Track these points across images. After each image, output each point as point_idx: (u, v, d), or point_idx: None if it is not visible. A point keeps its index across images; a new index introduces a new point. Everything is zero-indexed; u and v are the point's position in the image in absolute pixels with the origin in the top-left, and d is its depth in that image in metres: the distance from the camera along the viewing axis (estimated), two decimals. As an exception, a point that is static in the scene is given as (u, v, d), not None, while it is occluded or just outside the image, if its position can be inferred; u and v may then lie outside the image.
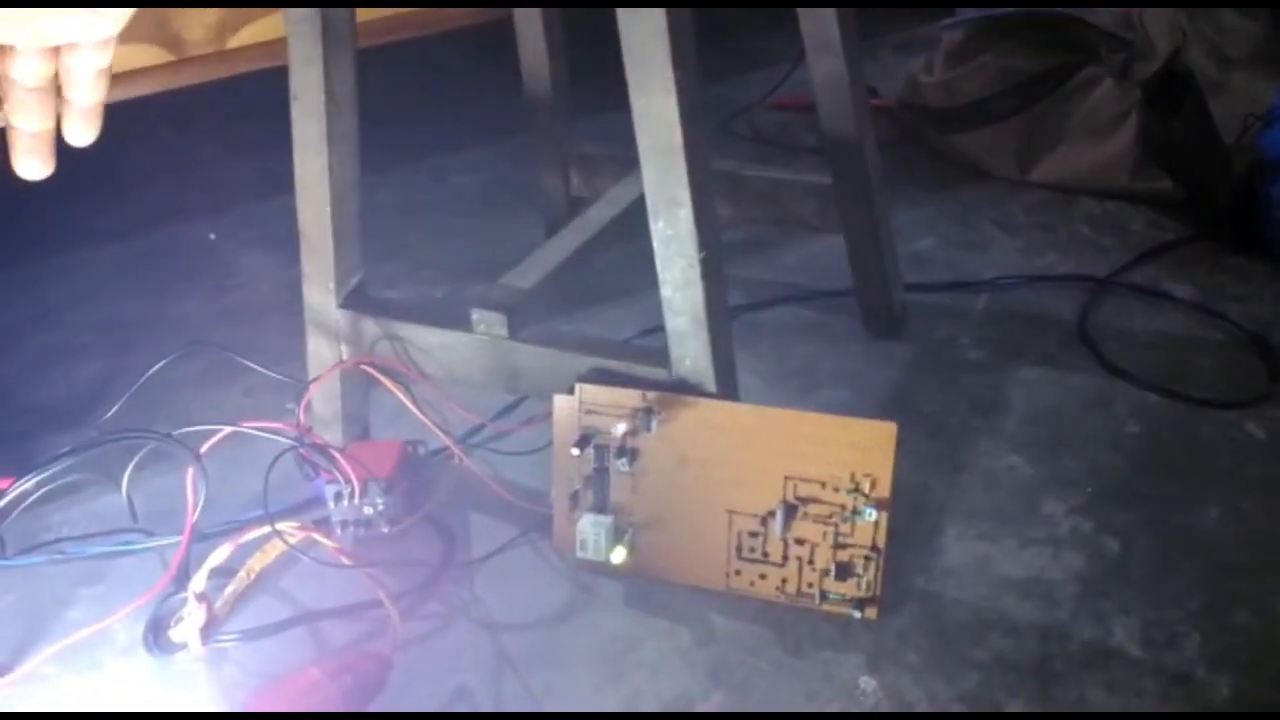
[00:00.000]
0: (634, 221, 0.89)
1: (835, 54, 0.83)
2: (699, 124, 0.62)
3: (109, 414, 0.88)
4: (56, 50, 0.44)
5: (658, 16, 0.59)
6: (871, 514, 0.65)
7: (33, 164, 0.46)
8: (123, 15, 0.43)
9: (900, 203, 1.11)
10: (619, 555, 0.69)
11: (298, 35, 0.69)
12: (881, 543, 0.66)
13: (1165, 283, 1.03)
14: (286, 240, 1.18)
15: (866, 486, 0.65)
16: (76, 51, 0.44)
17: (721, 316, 0.67)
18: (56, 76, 0.46)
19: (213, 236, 1.21)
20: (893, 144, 1.27)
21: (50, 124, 0.46)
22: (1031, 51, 1.20)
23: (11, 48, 0.43)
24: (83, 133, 0.47)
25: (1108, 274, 1.04)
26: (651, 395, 0.68)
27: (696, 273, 0.65)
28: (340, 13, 0.70)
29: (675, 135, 0.60)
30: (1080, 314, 0.98)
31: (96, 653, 0.67)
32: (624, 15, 0.60)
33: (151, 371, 0.91)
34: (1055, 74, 1.18)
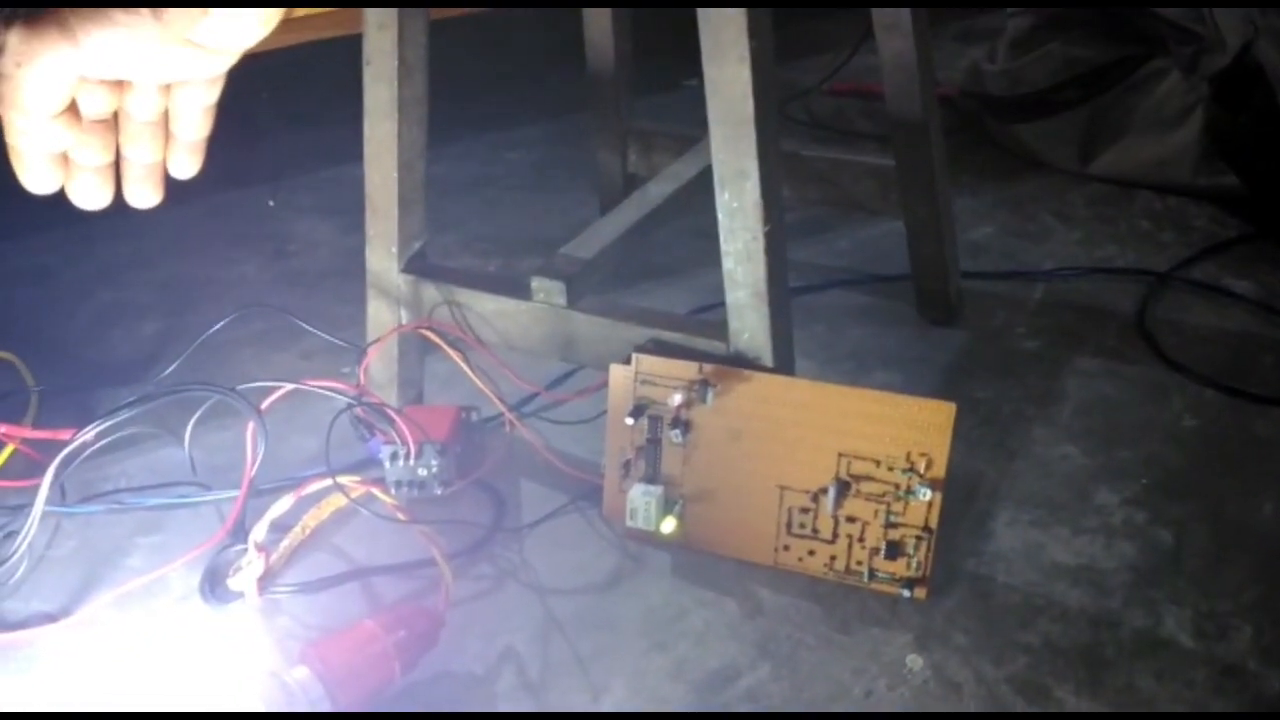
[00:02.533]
0: (689, 199, 0.89)
1: (904, 34, 0.82)
2: (771, 96, 0.62)
3: (168, 371, 0.89)
4: (169, 86, 0.46)
5: (735, -15, 0.59)
6: (926, 494, 0.65)
7: (144, 192, 0.48)
8: (234, 55, 0.44)
9: (959, 191, 1.11)
10: (669, 526, 0.70)
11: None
12: (934, 523, 0.66)
13: (1226, 279, 1.02)
14: (343, 209, 1.20)
15: (922, 466, 0.65)
16: (187, 88, 0.46)
17: (782, 291, 0.67)
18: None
19: (271, 203, 1.22)
20: (953, 132, 1.26)
21: (160, 156, 0.48)
22: (1098, 42, 1.18)
23: (130, 83, 0.45)
24: (188, 165, 0.49)
25: (1168, 268, 1.03)
26: (708, 368, 0.68)
27: (760, 246, 0.65)
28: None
29: (747, 106, 0.60)
30: (1139, 307, 0.97)
31: (153, 600, 0.68)
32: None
33: (210, 331, 0.93)
34: (1121, 65, 1.16)
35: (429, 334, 0.77)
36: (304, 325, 0.92)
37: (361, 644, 0.58)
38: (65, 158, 0.46)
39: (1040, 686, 0.62)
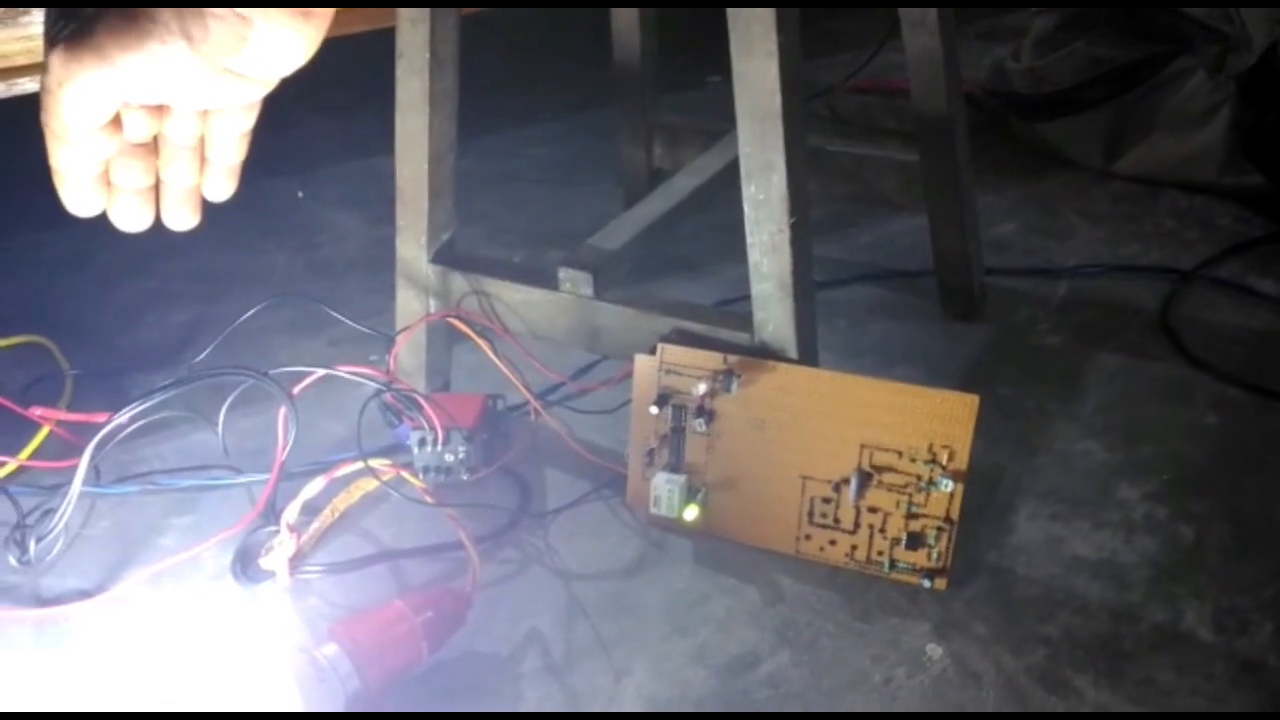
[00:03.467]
0: (714, 193, 0.90)
1: (931, 30, 0.83)
2: (798, 90, 0.62)
3: (199, 357, 0.91)
4: (206, 112, 0.47)
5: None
6: (948, 485, 0.66)
7: (181, 215, 0.49)
8: (270, 84, 0.45)
9: (982, 188, 1.11)
10: (691, 514, 0.71)
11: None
12: (955, 515, 0.67)
13: (1250, 278, 1.02)
14: (370, 200, 1.21)
15: (944, 458, 0.66)
16: (224, 114, 0.47)
17: (807, 283, 0.68)
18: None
19: (300, 194, 1.24)
20: (977, 130, 1.27)
21: (197, 180, 0.49)
22: (1123, 40, 1.18)
23: (170, 109, 0.46)
24: (223, 189, 0.49)
25: (1192, 267, 1.03)
26: (732, 358, 0.69)
27: (785, 238, 0.65)
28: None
29: (774, 100, 0.61)
30: (1163, 305, 0.97)
31: (186, 578, 0.69)
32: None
33: (242, 319, 0.94)
34: (1147, 64, 1.16)
35: (457, 323, 0.79)
36: (333, 313, 0.93)
37: (390, 623, 0.59)
38: (107, 181, 0.47)
39: (1059, 677, 0.62)
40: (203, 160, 0.48)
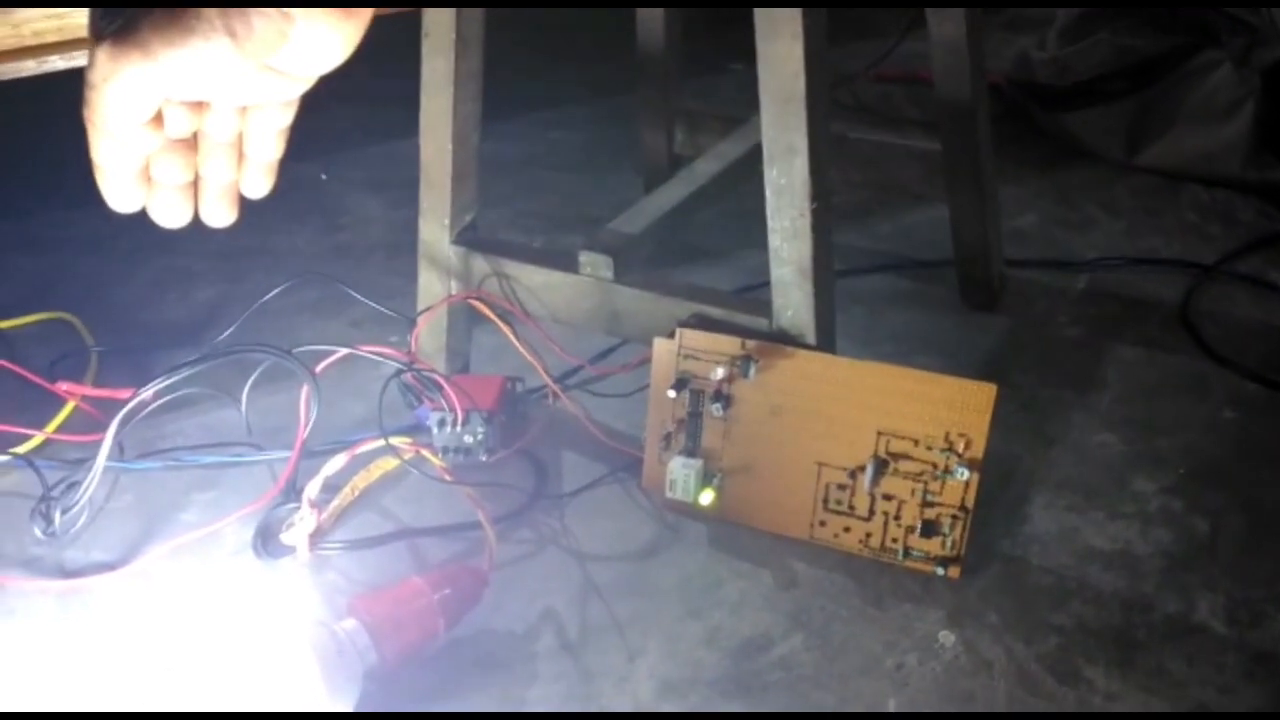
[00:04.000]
0: (734, 179, 0.90)
1: (956, 19, 0.83)
2: (822, 74, 0.63)
3: (223, 335, 0.92)
4: (245, 108, 0.47)
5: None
6: (963, 474, 0.66)
7: (219, 211, 0.49)
8: (310, 81, 0.46)
9: (1003, 179, 1.11)
10: (707, 498, 0.71)
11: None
12: (971, 503, 0.67)
13: (1272, 274, 1.01)
14: (393, 183, 1.22)
15: (960, 446, 0.66)
16: (263, 111, 0.47)
17: (827, 269, 0.68)
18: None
19: (324, 177, 1.25)
20: (999, 120, 1.26)
21: (235, 176, 0.49)
22: (1149, 32, 1.18)
23: (209, 105, 0.47)
24: (260, 185, 0.50)
25: (1214, 261, 1.03)
26: (751, 343, 0.69)
27: (806, 223, 0.66)
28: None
29: (798, 82, 0.62)
30: (1183, 299, 0.97)
31: (207, 553, 0.70)
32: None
33: (265, 298, 0.95)
34: (1172, 55, 1.16)
35: (478, 304, 0.79)
36: (355, 294, 0.94)
37: (408, 599, 0.60)
38: (147, 175, 0.47)
39: (1071, 666, 0.63)
40: (240, 156, 0.49)
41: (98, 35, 0.42)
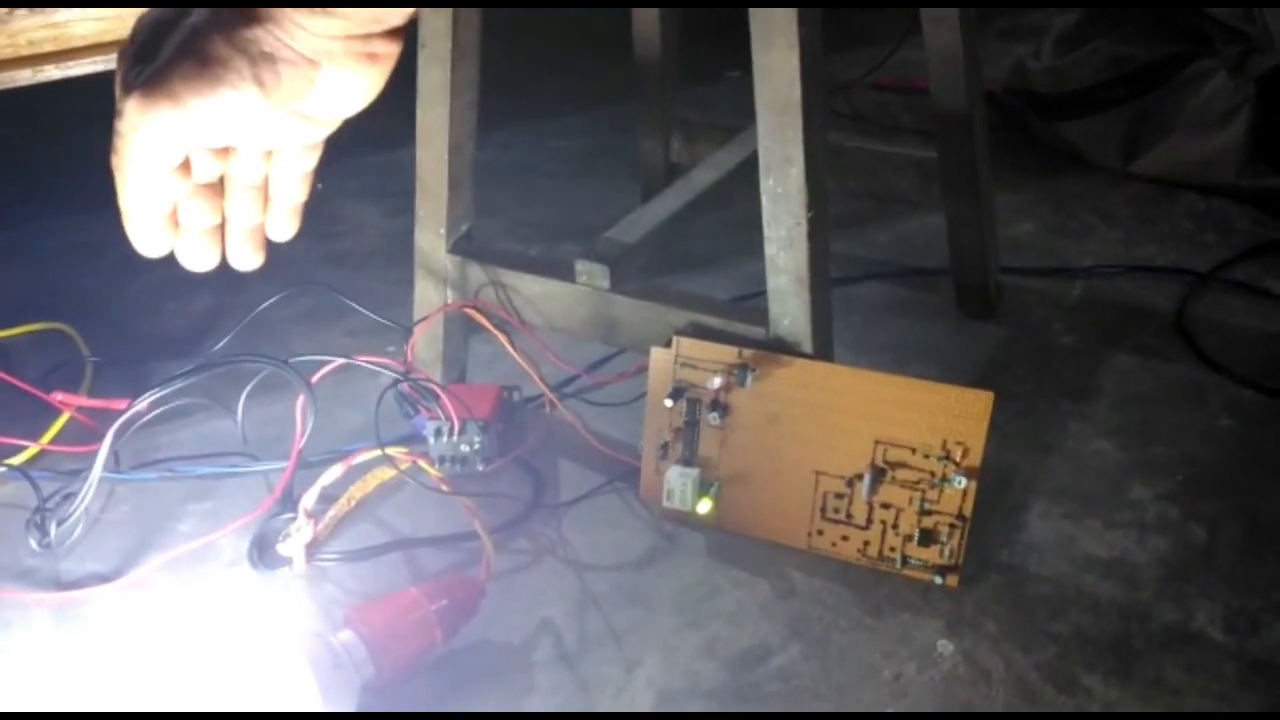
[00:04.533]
0: (731, 188, 0.90)
1: (952, 27, 0.83)
2: (819, 83, 0.63)
3: (219, 345, 0.92)
4: (270, 152, 0.48)
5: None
6: (961, 482, 0.66)
7: (245, 254, 0.50)
8: (335, 123, 0.46)
9: (999, 187, 1.11)
10: (704, 507, 0.71)
11: (427, -16, 0.72)
12: (969, 511, 0.67)
13: (1268, 281, 1.01)
14: (390, 193, 1.22)
15: (958, 454, 0.66)
16: (288, 155, 0.48)
17: (823, 278, 0.68)
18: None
19: (320, 186, 1.24)
20: (995, 129, 1.26)
21: (261, 219, 0.50)
22: (1144, 40, 1.18)
23: (235, 149, 0.47)
24: (286, 227, 0.51)
25: (1209, 269, 1.03)
26: (748, 352, 0.69)
27: (803, 232, 0.66)
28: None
29: (794, 92, 0.62)
30: (1178, 307, 0.97)
31: (203, 564, 0.70)
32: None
33: (261, 308, 0.95)
34: (1168, 64, 1.16)
35: (474, 314, 0.79)
36: (351, 304, 0.94)
37: (405, 610, 0.60)
38: (174, 220, 0.48)
39: (1069, 675, 0.63)
40: (266, 199, 0.49)
41: (127, 86, 0.43)
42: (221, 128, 0.43)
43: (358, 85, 0.44)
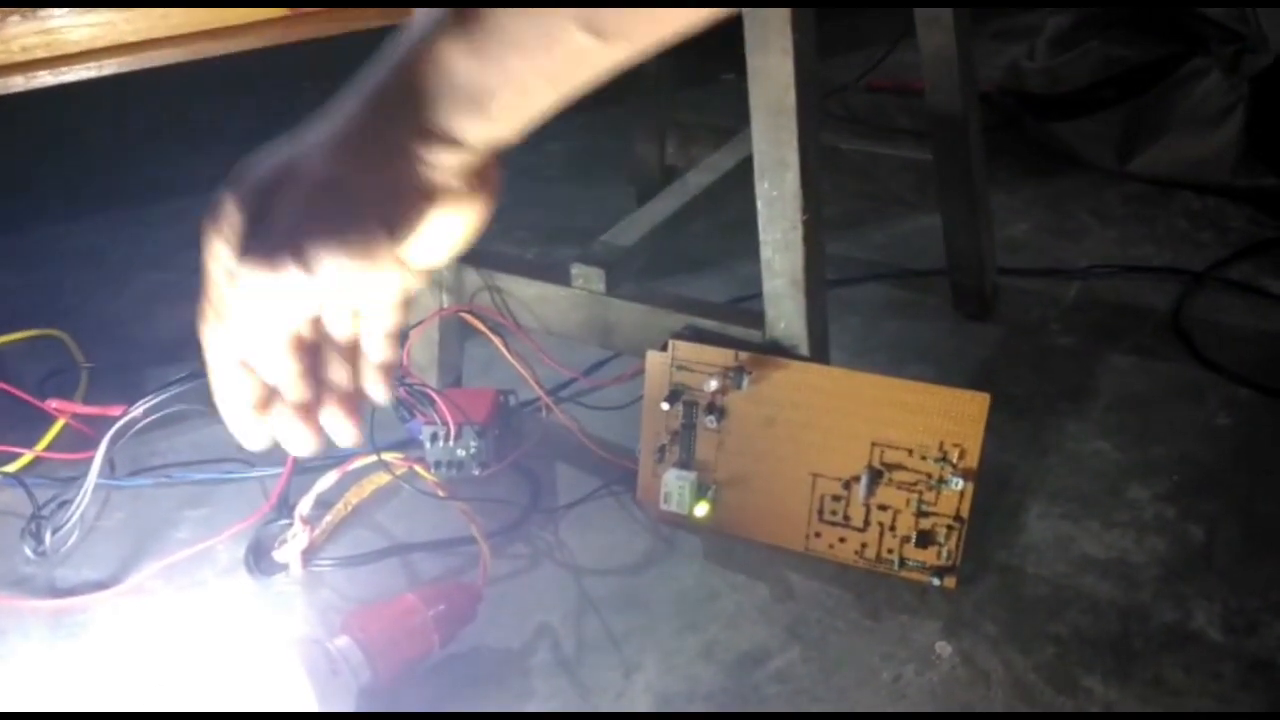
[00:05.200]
0: (725, 191, 0.90)
1: (945, 29, 0.83)
2: (812, 88, 0.63)
3: (215, 351, 0.91)
4: (358, 314, 0.46)
5: (779, -20, 0.61)
6: (958, 484, 0.66)
7: (344, 424, 0.47)
8: (420, 278, 0.45)
9: (995, 188, 1.11)
10: (702, 510, 0.71)
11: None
12: (965, 513, 0.67)
13: (1263, 280, 1.02)
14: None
15: (955, 456, 0.66)
16: (379, 310, 0.46)
17: (819, 280, 0.68)
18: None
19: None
20: (991, 130, 1.27)
21: (353, 383, 0.47)
22: (1138, 40, 1.18)
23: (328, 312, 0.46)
24: (379, 389, 0.48)
25: (1205, 268, 1.03)
26: (744, 355, 0.69)
27: (798, 235, 0.66)
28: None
29: (789, 96, 0.62)
30: (1175, 306, 0.97)
31: (199, 571, 0.70)
32: (746, -22, 0.62)
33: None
34: (1162, 64, 1.16)
35: (470, 318, 0.79)
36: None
37: (402, 615, 0.60)
38: (266, 404, 0.46)
39: (1068, 676, 0.62)
40: (356, 363, 0.47)
41: (246, 251, 0.41)
42: (345, 284, 0.41)
43: (463, 221, 0.43)
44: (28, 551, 0.70)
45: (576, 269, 0.76)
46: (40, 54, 1.01)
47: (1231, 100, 1.12)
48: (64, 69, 1.01)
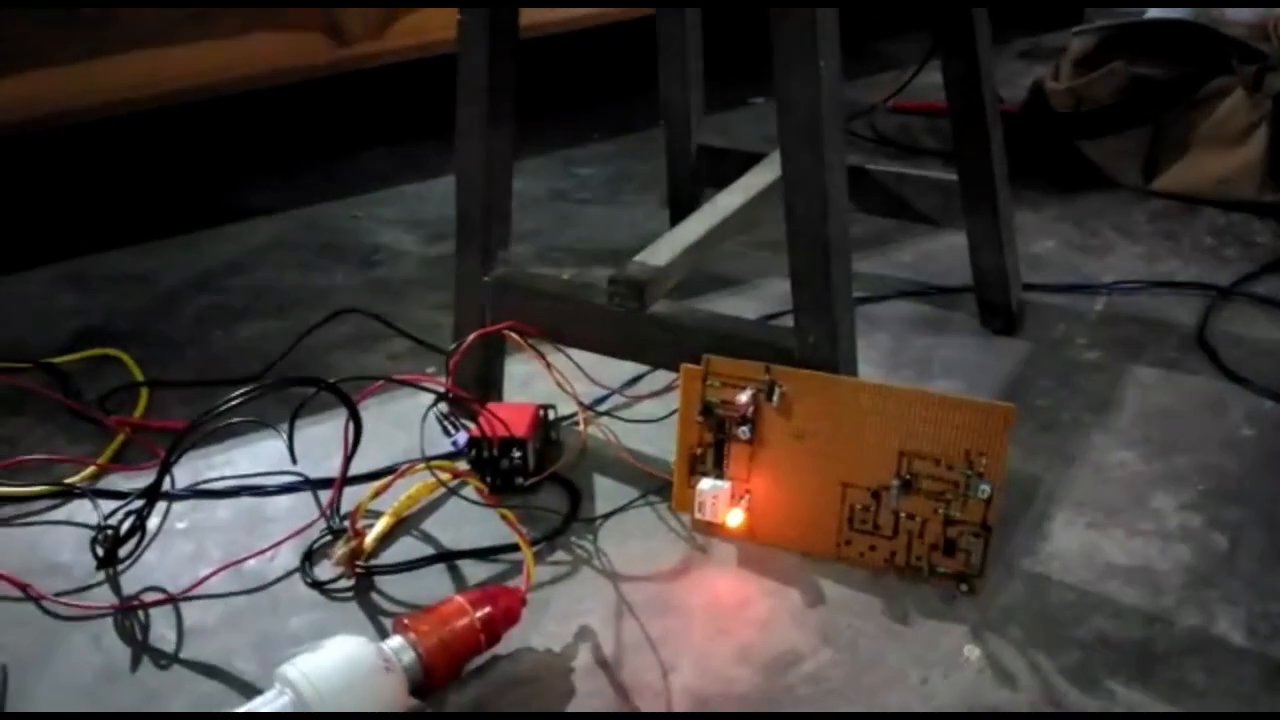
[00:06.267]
0: (755, 212, 0.93)
1: (969, 51, 0.85)
2: (838, 109, 0.66)
3: (267, 368, 0.95)
4: None
5: (808, 12, 0.64)
6: (984, 491, 0.68)
7: None
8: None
9: (1021, 206, 1.13)
10: (735, 519, 0.74)
11: (469, 26, 0.75)
12: (992, 521, 0.69)
13: (1288, 294, 1.03)
14: (425, 222, 1.26)
15: (980, 466, 0.68)
16: None
17: (846, 297, 0.71)
18: None
19: (358, 215, 1.28)
20: (1015, 149, 1.29)
21: None
22: (1162, 60, 1.20)
23: None
24: None
25: (1230, 283, 1.04)
26: (775, 369, 0.72)
27: (826, 252, 0.68)
28: (507, 9, 0.76)
29: (816, 120, 0.64)
30: (1200, 321, 0.99)
31: (256, 577, 0.73)
32: (776, 12, 0.65)
33: (306, 333, 0.99)
34: (1185, 83, 1.18)
35: (511, 335, 0.82)
36: (394, 328, 0.97)
37: (451, 618, 0.63)
38: None
39: (1092, 678, 0.64)
40: None
41: None
42: None
43: None
44: (94, 560, 0.74)
45: (612, 288, 0.79)
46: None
47: (1255, 118, 1.14)
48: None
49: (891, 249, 1.14)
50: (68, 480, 0.81)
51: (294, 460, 0.81)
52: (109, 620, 0.70)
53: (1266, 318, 1.00)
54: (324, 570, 0.73)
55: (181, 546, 0.76)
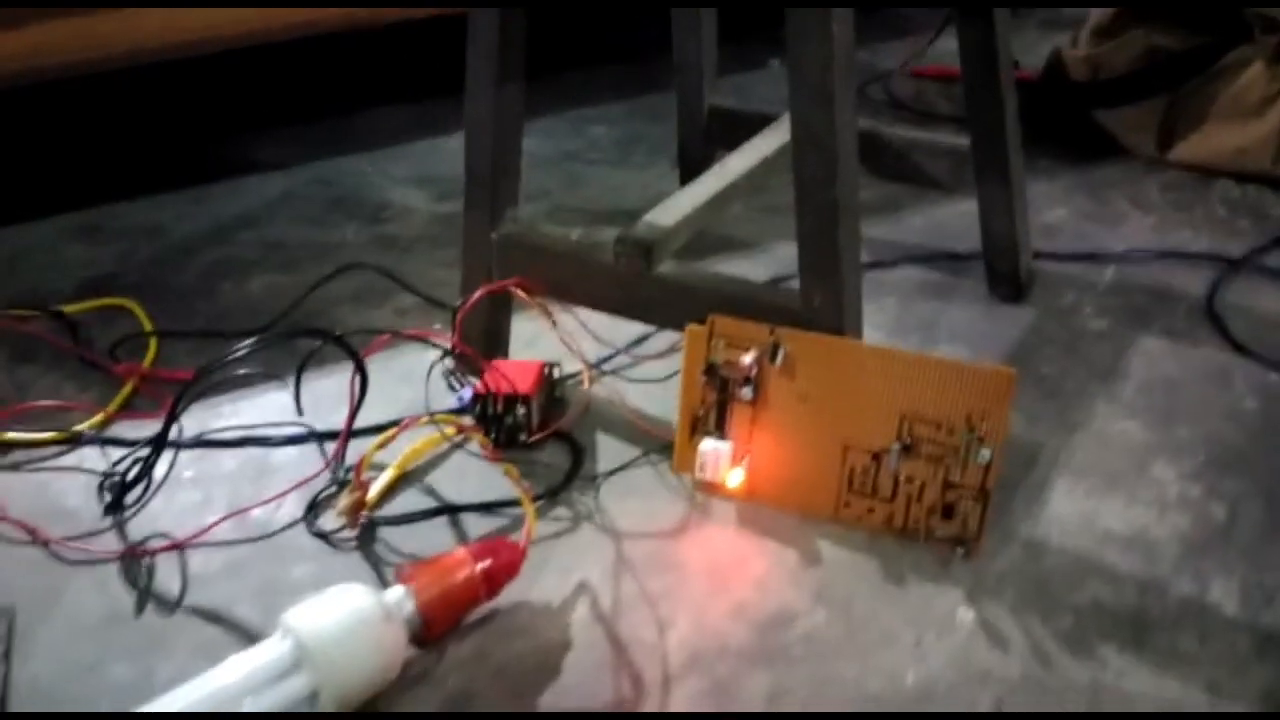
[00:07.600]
0: (765, 174, 0.93)
1: (985, 17, 0.85)
2: (849, 72, 0.65)
3: (275, 320, 0.96)
4: None
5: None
6: (984, 457, 0.68)
7: None
8: None
9: (1034, 174, 1.13)
10: (735, 479, 0.74)
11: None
12: (990, 486, 0.69)
13: (1300, 267, 1.03)
14: (435, 178, 1.26)
15: (981, 430, 0.68)
16: None
17: (854, 259, 0.71)
18: None
19: (369, 170, 1.29)
20: (1031, 117, 1.28)
21: None
22: (1181, 29, 1.19)
23: None
24: None
25: (1242, 254, 1.04)
26: (779, 330, 0.72)
27: (834, 214, 0.68)
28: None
29: (828, 79, 0.64)
30: (1209, 291, 0.99)
31: (261, 526, 0.74)
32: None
33: (314, 287, 1.00)
34: (1204, 53, 1.17)
35: (518, 292, 0.82)
36: (400, 284, 0.98)
37: (452, 569, 0.63)
38: None
39: (1085, 644, 0.65)
40: None
41: None
42: None
43: None
44: (101, 506, 0.75)
45: (619, 247, 0.79)
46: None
47: (1273, 90, 1.13)
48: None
49: (902, 214, 1.13)
50: (76, 427, 0.82)
51: (300, 412, 0.83)
52: (114, 566, 0.71)
53: (1276, 290, 1.00)
54: (328, 521, 0.74)
55: (188, 495, 0.77)
